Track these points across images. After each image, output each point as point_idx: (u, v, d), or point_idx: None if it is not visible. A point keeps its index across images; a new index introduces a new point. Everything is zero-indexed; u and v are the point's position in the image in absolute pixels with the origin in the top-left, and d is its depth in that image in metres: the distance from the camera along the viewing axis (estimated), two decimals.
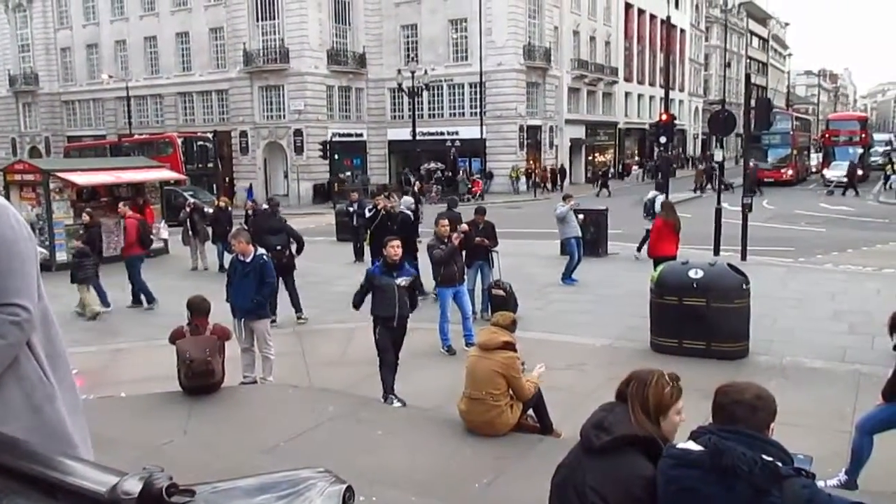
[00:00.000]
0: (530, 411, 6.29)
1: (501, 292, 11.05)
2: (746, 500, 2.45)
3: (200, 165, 36.33)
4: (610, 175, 46.06)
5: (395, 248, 7.60)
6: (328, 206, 34.37)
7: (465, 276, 10.21)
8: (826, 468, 5.47)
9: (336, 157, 38.07)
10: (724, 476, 2.48)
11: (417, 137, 33.50)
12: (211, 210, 18.78)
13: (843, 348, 9.27)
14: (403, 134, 38.39)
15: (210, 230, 17.09)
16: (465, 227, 10.75)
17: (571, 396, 7.18)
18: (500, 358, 6.13)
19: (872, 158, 57.42)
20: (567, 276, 14.16)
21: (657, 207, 16.33)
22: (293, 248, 11.99)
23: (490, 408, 6.05)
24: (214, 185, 35.87)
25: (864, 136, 48.53)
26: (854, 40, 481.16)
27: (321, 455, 5.54)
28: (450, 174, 42.40)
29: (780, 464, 2.51)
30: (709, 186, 39.85)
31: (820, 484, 5.21)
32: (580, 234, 14.68)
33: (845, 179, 38.21)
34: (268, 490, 1.26)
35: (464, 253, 10.56)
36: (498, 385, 6.07)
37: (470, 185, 39.96)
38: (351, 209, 18.29)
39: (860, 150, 46.68)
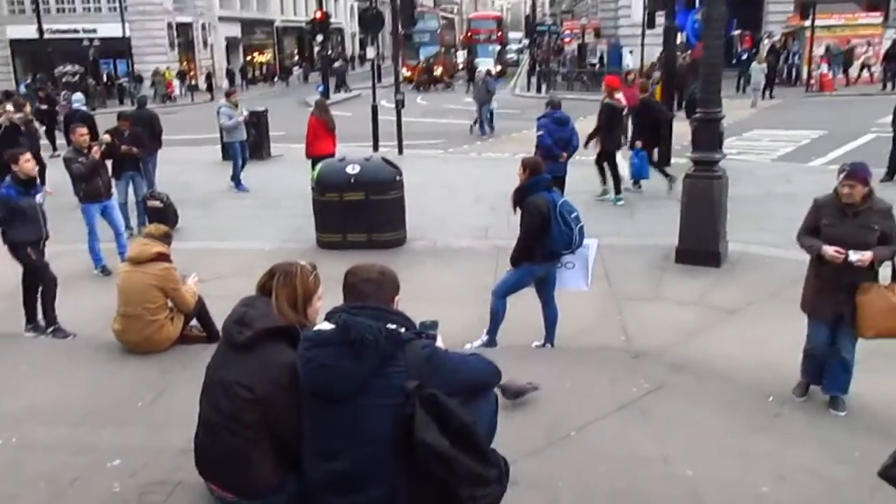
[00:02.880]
0: (195, 322, 6.15)
1: (158, 203, 10.44)
2: (376, 366, 2.68)
3: None
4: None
5: (29, 163, 6.76)
6: None
7: (115, 189, 9.43)
8: (474, 332, 6.22)
9: None
10: (353, 348, 2.68)
11: (46, 36, 29.31)
12: None
13: (485, 227, 10.39)
14: (30, 32, 33.18)
15: None
16: (106, 136, 9.83)
17: None
18: (156, 270, 5.85)
19: (509, 55, 63.52)
20: (238, 184, 13.76)
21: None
22: None
23: (147, 324, 5.79)
24: None
25: (500, 34, 53.11)
26: None
27: None
28: (92, 79, 37.91)
29: (403, 330, 2.78)
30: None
31: (467, 346, 5.94)
32: (245, 137, 14.18)
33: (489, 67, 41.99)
34: None
35: (110, 164, 9.71)
36: (154, 299, 5.81)
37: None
38: None
39: (498, 48, 51.11)
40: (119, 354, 5.92)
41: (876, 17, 31.92)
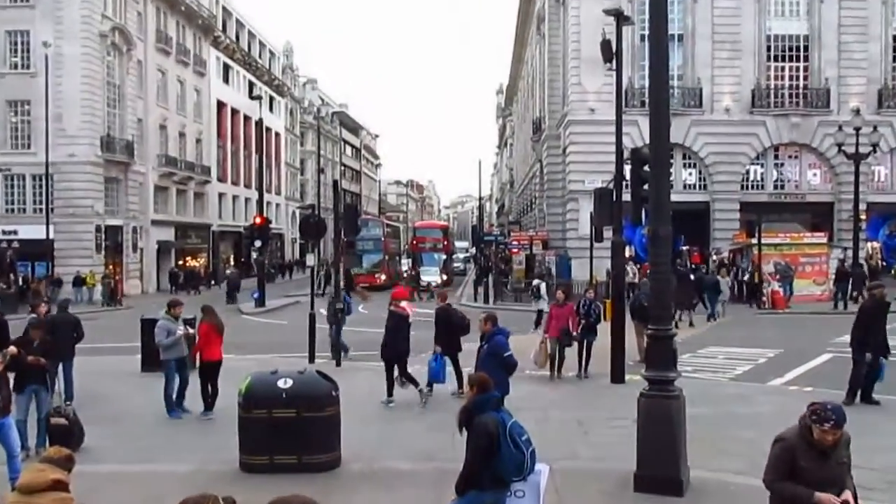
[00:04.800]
0: None
1: (62, 420, 9.99)
2: None
3: None
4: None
5: None
6: None
7: (15, 405, 9.03)
8: None
9: None
10: None
11: None
12: None
13: (429, 448, 10.14)
14: None
15: None
16: (12, 349, 9.46)
17: None
18: (49, 501, 5.46)
19: (455, 264, 65.85)
20: (173, 409, 12.61)
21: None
22: None
23: None
24: None
25: (446, 243, 55.36)
26: (437, 154, 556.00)
27: None
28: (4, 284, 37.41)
29: None
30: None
31: None
32: (185, 353, 12.98)
33: (439, 281, 43.33)
34: None
35: (11, 377, 9.33)
36: None
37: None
38: None
39: (444, 256, 52.97)
40: None
41: (821, 237, 34.35)
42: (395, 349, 13.30)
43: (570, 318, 15.54)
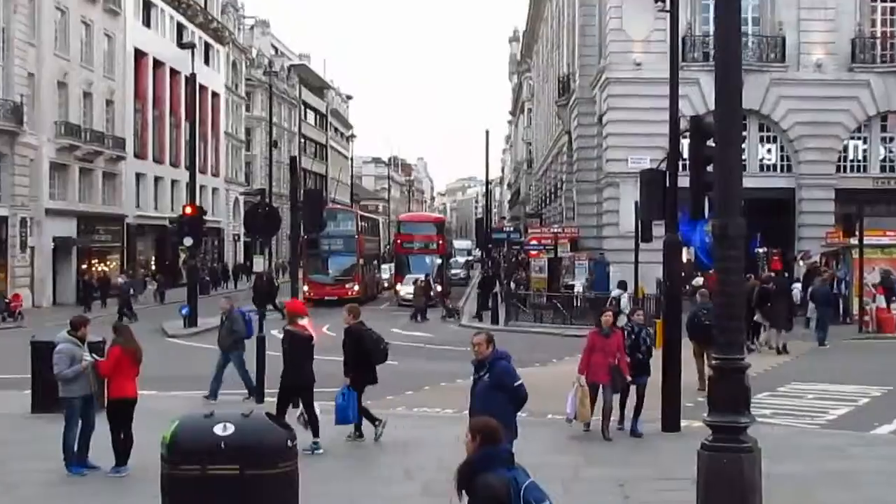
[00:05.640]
0: None
1: None
2: None
3: None
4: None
5: None
6: None
7: None
8: None
9: None
10: None
11: None
12: None
13: None
14: None
15: None
16: None
17: None
18: None
19: (453, 270, 65.55)
20: (73, 464, 12.55)
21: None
22: None
23: None
24: None
25: (441, 242, 55.46)
26: (429, 125, 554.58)
27: None
28: None
29: None
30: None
31: None
32: (91, 390, 12.81)
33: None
34: None
35: None
36: None
37: None
38: None
39: (439, 261, 52.91)
40: None
41: None
42: (294, 378, 13.90)
43: (619, 353, 14.63)
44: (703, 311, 18.11)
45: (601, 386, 14.52)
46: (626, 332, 15.35)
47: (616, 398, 14.93)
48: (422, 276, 44.57)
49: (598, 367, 14.48)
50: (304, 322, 14.41)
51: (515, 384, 9.93)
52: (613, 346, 14.59)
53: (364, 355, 14.10)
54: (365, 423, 14.37)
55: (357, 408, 14.02)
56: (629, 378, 14.68)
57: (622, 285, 30.63)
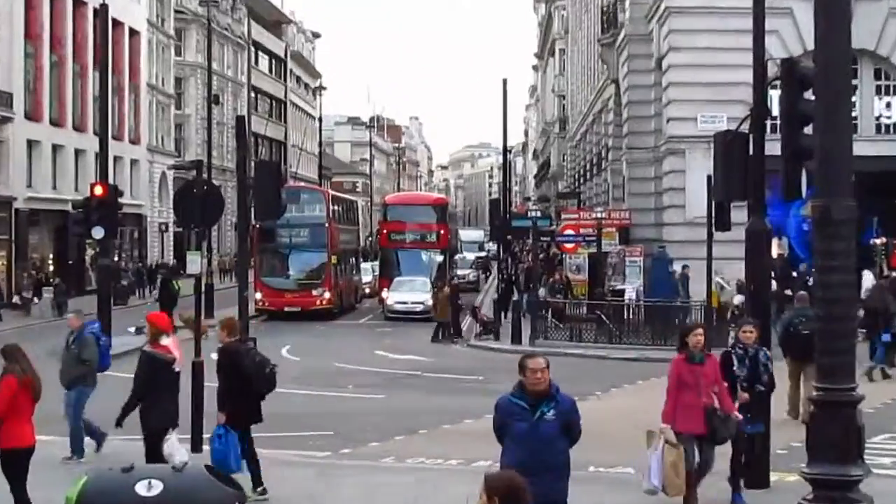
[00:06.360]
0: None
1: None
2: None
3: None
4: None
5: None
6: None
7: None
8: None
9: None
10: None
11: None
12: None
13: None
14: None
15: None
16: None
17: None
18: None
19: (461, 270, 65.22)
20: None
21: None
22: None
23: None
24: None
25: (442, 232, 55.17)
26: (425, 76, 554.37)
27: None
28: None
29: None
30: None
31: None
32: None
33: (421, 307, 43.21)
34: None
35: None
36: None
37: None
38: None
39: (439, 257, 52.99)
40: None
41: None
42: (160, 416, 13.79)
43: (717, 386, 13.40)
44: (800, 319, 18.01)
45: (696, 440, 13.16)
46: (736, 357, 14.28)
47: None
48: (426, 280, 44.81)
49: (690, 410, 13.12)
50: (167, 342, 14.17)
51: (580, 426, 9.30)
52: (709, 379, 13.35)
53: (244, 382, 14.06)
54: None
55: (240, 451, 13.78)
56: (738, 416, 13.50)
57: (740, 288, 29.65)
